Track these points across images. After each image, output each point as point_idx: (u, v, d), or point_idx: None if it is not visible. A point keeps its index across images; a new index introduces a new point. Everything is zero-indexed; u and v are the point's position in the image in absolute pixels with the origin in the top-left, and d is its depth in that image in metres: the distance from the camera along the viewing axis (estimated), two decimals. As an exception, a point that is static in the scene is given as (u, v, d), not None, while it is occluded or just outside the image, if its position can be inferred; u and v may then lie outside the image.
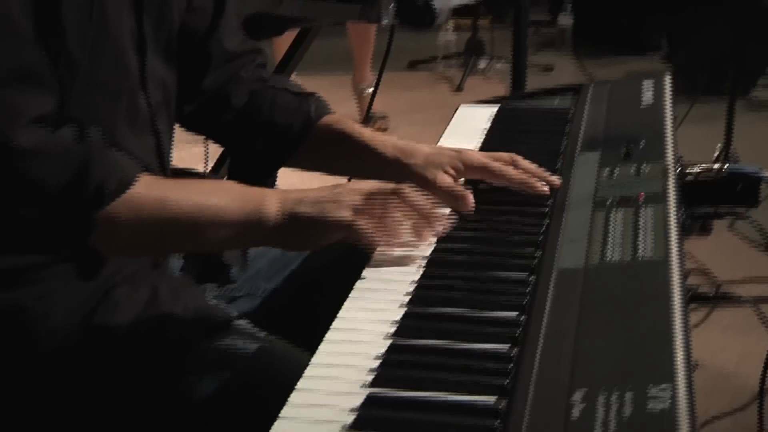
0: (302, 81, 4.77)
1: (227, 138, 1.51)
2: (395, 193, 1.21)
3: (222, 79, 1.47)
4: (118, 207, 1.14)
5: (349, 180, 1.51)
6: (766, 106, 4.76)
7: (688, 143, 3.92)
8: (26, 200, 1.11)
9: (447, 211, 1.30)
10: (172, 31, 1.37)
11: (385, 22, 1.85)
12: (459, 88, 5.16)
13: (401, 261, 1.21)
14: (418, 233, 1.22)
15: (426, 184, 1.33)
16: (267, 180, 1.54)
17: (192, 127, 1.49)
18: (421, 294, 1.13)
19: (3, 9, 1.11)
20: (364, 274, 1.18)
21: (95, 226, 1.13)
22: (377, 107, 4.46)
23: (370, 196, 1.21)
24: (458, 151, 1.40)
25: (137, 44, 1.29)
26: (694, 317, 2.81)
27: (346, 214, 1.18)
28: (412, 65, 5.54)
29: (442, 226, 1.23)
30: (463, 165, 1.38)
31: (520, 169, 1.38)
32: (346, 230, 1.18)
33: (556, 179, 1.38)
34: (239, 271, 1.48)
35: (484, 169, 1.38)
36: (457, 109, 1.79)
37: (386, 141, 1.43)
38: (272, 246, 1.27)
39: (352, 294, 1.14)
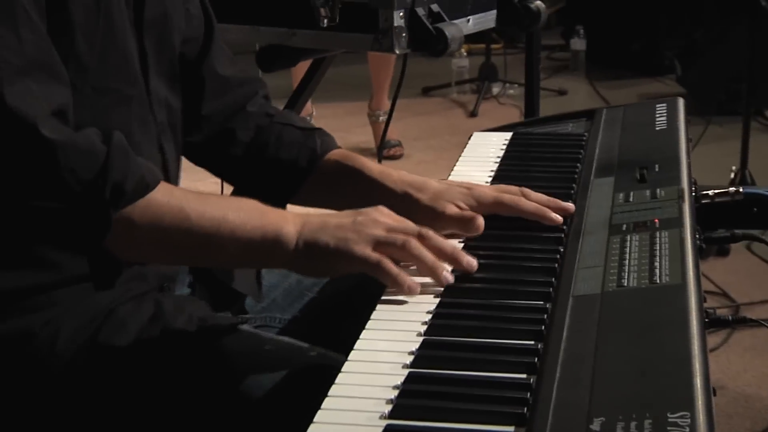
0: (318, 108, 4.82)
1: (233, 173, 1.51)
2: (419, 233, 1.21)
3: (223, 107, 1.47)
4: (135, 210, 1.14)
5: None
6: (781, 126, 4.76)
7: (703, 165, 3.94)
8: (47, 193, 1.11)
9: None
10: (174, 56, 1.38)
11: (397, 51, 1.86)
12: (473, 114, 5.17)
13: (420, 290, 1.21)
14: (437, 275, 1.20)
15: (436, 216, 1.33)
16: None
17: (199, 160, 1.50)
18: (438, 323, 1.13)
19: (29, 5, 1.12)
20: (380, 304, 1.18)
21: (111, 226, 1.13)
22: (392, 134, 4.47)
23: (393, 231, 1.20)
24: (469, 188, 1.38)
25: (140, 63, 1.30)
26: (714, 339, 2.80)
27: (366, 250, 1.17)
28: (426, 91, 5.56)
29: (460, 269, 1.22)
30: (475, 201, 1.36)
31: (532, 201, 1.37)
32: (365, 266, 1.18)
33: (569, 206, 1.37)
34: (255, 301, 1.47)
35: (497, 203, 1.36)
36: (470, 137, 1.79)
37: (395, 176, 1.41)
38: (287, 269, 1.25)
39: (369, 324, 1.14)
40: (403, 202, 1.36)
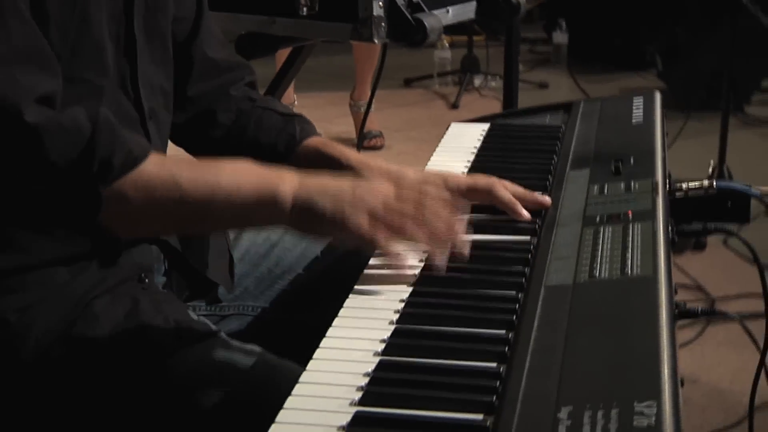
0: (300, 98, 4.81)
1: (211, 155, 1.48)
2: (419, 201, 1.21)
3: (209, 90, 1.48)
4: (126, 184, 1.14)
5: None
6: (760, 121, 4.78)
7: (682, 159, 3.97)
8: (35, 176, 1.11)
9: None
10: (166, 40, 1.38)
11: (376, 40, 1.86)
12: (455, 105, 5.18)
13: (391, 279, 1.21)
14: (432, 250, 1.21)
15: None
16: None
17: (177, 140, 1.50)
18: (410, 312, 1.13)
19: None
20: (353, 292, 1.19)
21: (103, 202, 1.13)
22: (373, 125, 4.47)
23: (390, 209, 1.20)
24: (445, 177, 1.38)
25: (125, 49, 1.29)
26: (688, 333, 2.82)
27: (363, 222, 1.18)
28: (408, 82, 5.56)
29: (457, 246, 1.22)
30: (449, 190, 1.35)
31: (508, 191, 1.37)
32: (359, 238, 1.18)
33: (546, 200, 1.38)
34: (227, 291, 1.47)
35: (471, 189, 1.37)
36: (448, 127, 1.80)
37: (372, 165, 1.42)
38: (283, 228, 1.25)
39: (342, 312, 1.14)
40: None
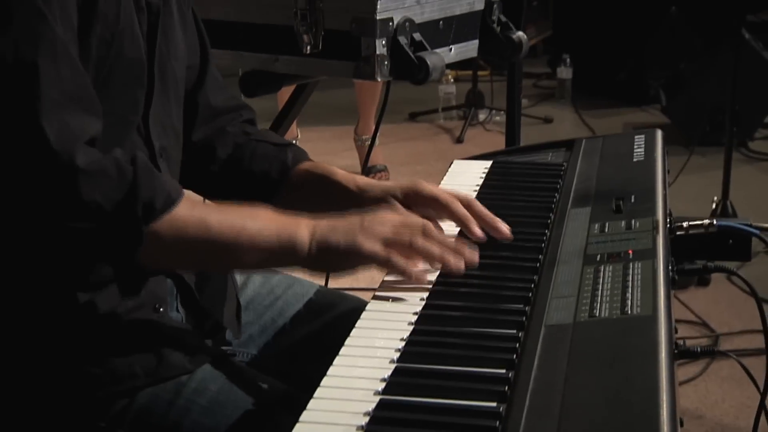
0: (305, 132, 4.82)
1: (211, 188, 1.57)
2: (423, 230, 1.30)
3: (210, 132, 1.55)
4: (162, 225, 1.21)
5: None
6: (764, 156, 4.79)
7: (686, 194, 3.97)
8: (81, 217, 1.17)
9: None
10: (179, 85, 1.44)
11: (379, 78, 1.87)
12: (459, 140, 5.20)
13: (393, 317, 1.22)
14: (447, 264, 1.29)
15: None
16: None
17: (180, 177, 1.52)
18: (411, 350, 1.14)
19: (60, 35, 1.18)
20: (354, 331, 1.19)
21: (143, 241, 1.19)
22: (378, 159, 4.49)
23: (399, 229, 1.29)
24: (413, 182, 1.47)
25: (147, 83, 1.35)
26: (692, 369, 2.82)
27: (376, 247, 1.26)
28: (413, 116, 5.58)
29: (464, 260, 1.30)
30: (414, 193, 1.45)
31: (472, 210, 1.42)
32: (374, 261, 1.27)
33: (506, 230, 1.40)
34: (234, 335, 1.50)
35: (433, 198, 1.43)
36: (451, 164, 1.81)
37: (349, 177, 1.51)
38: (303, 269, 1.32)
39: (343, 351, 1.15)
40: (355, 199, 1.47)
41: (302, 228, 1.27)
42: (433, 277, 1.30)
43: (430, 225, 1.31)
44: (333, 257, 1.27)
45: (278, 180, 1.53)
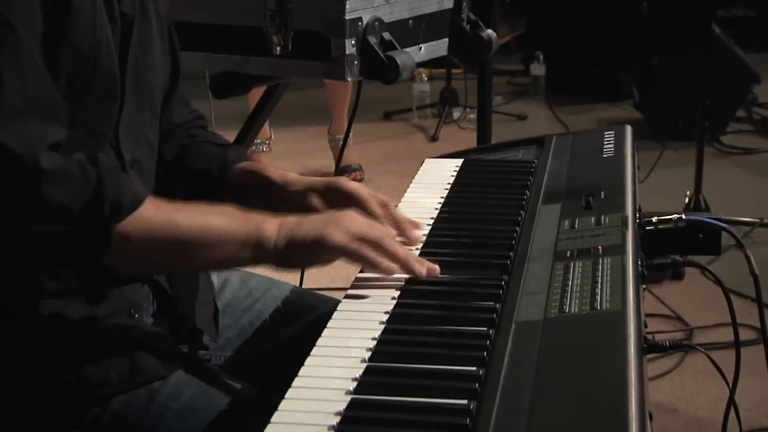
0: (279, 132, 4.81)
1: (156, 189, 1.54)
2: (386, 233, 1.34)
3: (161, 140, 1.54)
4: (129, 225, 1.21)
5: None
6: (736, 151, 4.82)
7: (659, 189, 3.99)
8: (48, 219, 1.17)
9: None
10: (154, 97, 1.44)
11: (349, 78, 1.88)
12: (434, 138, 5.20)
13: (364, 317, 1.22)
14: (410, 268, 1.30)
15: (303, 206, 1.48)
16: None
17: None
18: (382, 350, 1.14)
19: (25, 42, 1.18)
20: (326, 331, 1.19)
21: (111, 240, 1.19)
22: (352, 158, 4.49)
23: (367, 226, 1.31)
24: (335, 179, 1.51)
25: (119, 95, 1.34)
26: (667, 363, 2.83)
27: (345, 239, 1.27)
28: (388, 116, 5.58)
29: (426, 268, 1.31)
30: (335, 189, 1.48)
31: (386, 211, 1.45)
32: (343, 253, 1.28)
33: (416, 235, 1.44)
34: (212, 339, 1.50)
35: (352, 196, 1.46)
36: (422, 163, 1.81)
37: (278, 174, 1.54)
38: (272, 266, 1.32)
39: (314, 351, 1.15)
40: (281, 193, 1.52)
41: (268, 223, 1.29)
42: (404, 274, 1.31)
43: (393, 232, 1.35)
44: (300, 251, 1.28)
45: (218, 178, 1.55)
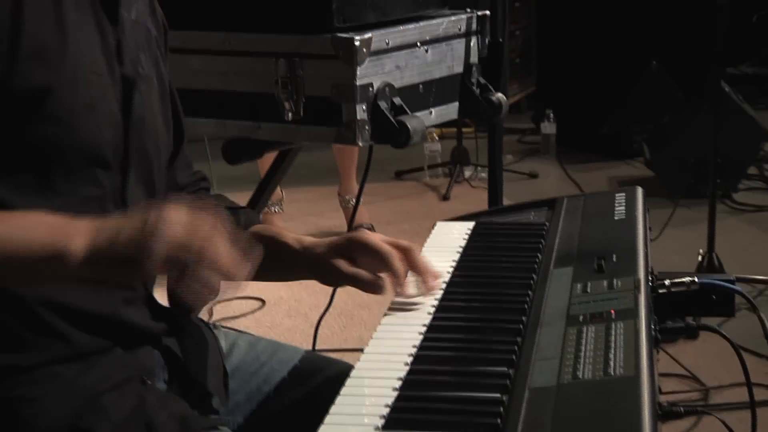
0: (290, 192, 4.84)
1: None
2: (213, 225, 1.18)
3: None
4: None
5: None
6: (748, 208, 4.81)
7: (672, 247, 3.97)
8: None
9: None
10: (152, 161, 1.42)
11: (360, 143, 1.89)
12: (446, 197, 5.22)
13: (377, 383, 1.22)
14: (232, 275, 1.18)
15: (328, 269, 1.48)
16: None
17: None
18: (396, 417, 1.13)
19: None
20: (339, 398, 1.19)
21: None
22: (364, 218, 4.50)
23: (187, 238, 1.15)
24: (357, 234, 1.50)
25: (121, 162, 1.33)
26: (683, 424, 2.80)
27: (161, 256, 1.13)
28: (399, 175, 5.60)
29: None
30: (357, 244, 1.48)
31: (409, 257, 1.46)
32: (160, 272, 1.15)
33: (434, 285, 1.46)
34: (222, 403, 1.49)
35: (376, 251, 1.46)
36: (434, 226, 1.82)
37: (295, 239, 1.54)
38: (80, 284, 1.21)
39: (328, 419, 1.14)
40: (301, 257, 1.52)
41: (77, 237, 1.16)
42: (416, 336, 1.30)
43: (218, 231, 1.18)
44: (111, 268, 1.16)
45: None
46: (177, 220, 1.16)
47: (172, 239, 1.14)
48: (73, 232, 1.17)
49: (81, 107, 1.26)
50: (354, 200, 4.45)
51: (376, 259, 1.46)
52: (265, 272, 1.32)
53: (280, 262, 1.51)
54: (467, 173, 5.49)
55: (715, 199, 3.65)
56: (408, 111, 1.93)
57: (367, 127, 1.89)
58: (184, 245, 1.14)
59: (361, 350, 1.30)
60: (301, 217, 4.67)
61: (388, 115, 1.89)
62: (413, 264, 1.47)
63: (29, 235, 1.17)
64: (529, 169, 5.53)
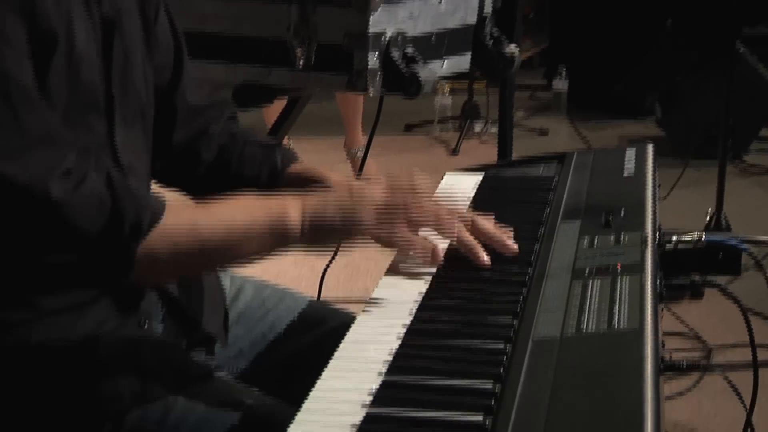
0: (299, 143, 4.84)
1: (199, 191, 1.54)
2: (411, 188, 1.31)
3: (191, 134, 1.53)
4: (153, 239, 1.19)
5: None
6: (758, 170, 4.80)
7: (680, 208, 3.97)
8: (66, 247, 1.16)
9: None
10: (140, 95, 1.40)
11: (371, 92, 1.88)
12: (455, 151, 5.21)
13: (381, 330, 1.22)
14: (440, 223, 1.31)
15: None
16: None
17: (164, 181, 1.54)
18: (398, 364, 1.14)
19: (24, 81, 1.16)
20: (343, 344, 1.19)
21: (134, 262, 1.18)
22: (373, 170, 4.49)
23: (390, 191, 1.29)
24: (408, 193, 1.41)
25: (105, 108, 1.32)
26: (685, 382, 2.82)
27: (372, 219, 1.27)
28: (409, 128, 5.59)
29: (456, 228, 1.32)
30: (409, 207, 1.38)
31: (479, 228, 1.38)
32: (373, 236, 1.28)
33: (513, 247, 1.38)
34: (221, 344, 1.49)
35: (428, 215, 1.35)
36: (443, 177, 1.82)
37: (352, 183, 1.44)
38: (302, 250, 1.31)
39: (331, 364, 1.15)
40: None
41: (291, 210, 1.27)
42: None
43: (419, 185, 1.32)
44: (328, 235, 1.28)
45: (268, 183, 1.52)
46: (378, 186, 1.29)
47: (377, 205, 1.27)
48: (285, 207, 1.27)
49: (79, 55, 1.25)
50: (360, 152, 4.44)
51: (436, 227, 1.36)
52: None
53: None
54: (477, 128, 5.48)
55: (726, 160, 3.64)
56: (420, 61, 1.92)
57: (378, 76, 1.88)
58: (388, 209, 1.27)
59: (365, 300, 1.30)
60: (309, 168, 4.65)
61: (400, 64, 1.88)
62: (479, 233, 1.38)
63: (250, 216, 1.26)
64: (539, 126, 5.51)
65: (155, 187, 1.37)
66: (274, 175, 1.53)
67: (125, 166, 1.35)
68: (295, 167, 1.55)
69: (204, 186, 1.53)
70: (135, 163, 1.38)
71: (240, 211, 1.26)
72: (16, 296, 1.25)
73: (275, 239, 1.26)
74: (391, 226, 1.27)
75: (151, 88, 1.43)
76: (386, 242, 1.29)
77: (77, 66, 1.25)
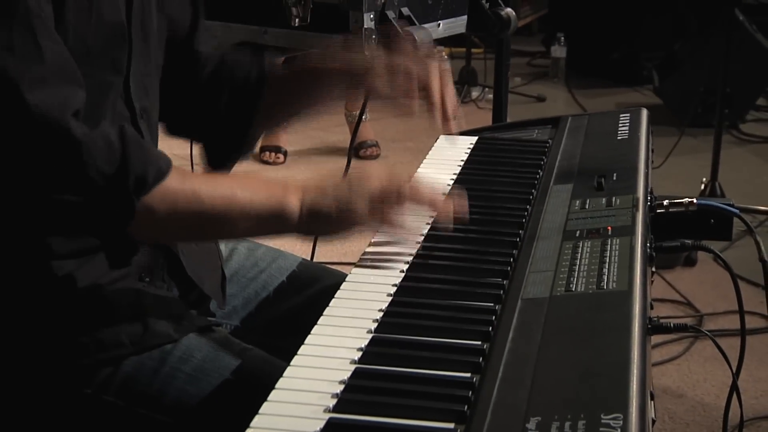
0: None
1: (197, 101, 1.56)
2: (407, 179, 1.32)
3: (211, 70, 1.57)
4: (154, 197, 1.20)
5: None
6: (755, 139, 4.80)
7: (676, 175, 3.97)
8: (73, 187, 1.17)
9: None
10: (156, 43, 1.43)
11: (366, 52, 1.88)
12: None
13: (372, 288, 1.23)
14: (439, 206, 1.34)
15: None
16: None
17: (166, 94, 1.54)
18: (388, 321, 1.15)
19: (34, 8, 1.17)
20: (333, 301, 1.20)
21: (134, 215, 1.19)
22: (369, 134, 4.49)
23: (386, 181, 1.30)
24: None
25: (128, 44, 1.34)
26: (676, 348, 2.84)
27: (364, 211, 1.28)
28: (406, 93, 5.57)
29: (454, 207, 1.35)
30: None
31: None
32: (365, 225, 1.29)
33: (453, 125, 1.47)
34: (219, 306, 1.51)
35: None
36: (437, 139, 1.82)
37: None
38: (294, 236, 1.32)
39: (321, 320, 1.16)
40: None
41: (292, 195, 1.28)
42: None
43: (413, 185, 1.34)
44: (322, 223, 1.29)
45: (258, 80, 1.55)
46: (375, 175, 1.30)
47: (373, 194, 1.28)
48: (286, 192, 1.28)
49: (96, 6, 1.26)
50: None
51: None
52: (302, 104, 1.44)
53: (313, 86, 1.52)
54: (474, 94, 5.47)
55: (722, 129, 3.64)
56: (416, 22, 1.91)
57: (373, 36, 1.88)
58: (384, 196, 1.28)
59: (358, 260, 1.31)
60: (306, 131, 4.65)
61: (396, 24, 1.87)
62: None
63: (252, 194, 1.27)
64: (537, 93, 5.50)
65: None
66: (261, 72, 1.56)
67: (138, 110, 1.37)
68: (279, 67, 1.59)
69: (201, 101, 1.55)
70: (148, 107, 1.41)
71: (242, 187, 1.27)
72: (28, 235, 1.27)
73: (272, 222, 1.28)
74: (382, 219, 1.29)
75: (163, 37, 1.46)
76: (378, 227, 1.33)
77: (99, 4, 1.26)
